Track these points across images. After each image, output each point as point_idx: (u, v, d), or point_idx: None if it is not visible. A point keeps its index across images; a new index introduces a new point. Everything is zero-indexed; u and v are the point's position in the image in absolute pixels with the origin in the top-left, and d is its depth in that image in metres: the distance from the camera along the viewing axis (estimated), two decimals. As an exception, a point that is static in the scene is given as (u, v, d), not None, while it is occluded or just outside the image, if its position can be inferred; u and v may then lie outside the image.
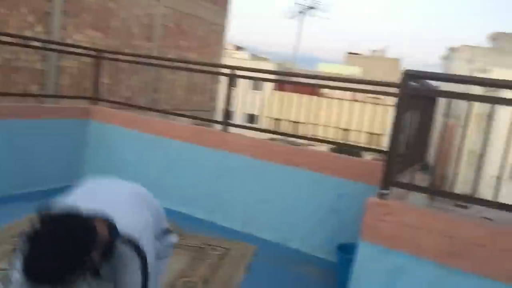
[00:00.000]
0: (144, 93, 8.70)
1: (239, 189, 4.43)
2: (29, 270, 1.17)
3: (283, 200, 4.21)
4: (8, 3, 6.46)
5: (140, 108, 5.21)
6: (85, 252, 1.24)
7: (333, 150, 11.97)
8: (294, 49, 39.74)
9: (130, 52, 8.70)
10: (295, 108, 21.41)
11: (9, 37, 5.40)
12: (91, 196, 1.57)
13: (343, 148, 11.49)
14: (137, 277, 1.47)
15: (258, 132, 4.89)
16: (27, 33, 6.78)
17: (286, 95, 21.55)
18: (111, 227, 1.38)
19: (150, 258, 1.50)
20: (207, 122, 4.81)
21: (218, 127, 4.72)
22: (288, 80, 7.65)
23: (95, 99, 5.34)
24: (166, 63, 6.46)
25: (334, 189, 3.94)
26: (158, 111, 5.24)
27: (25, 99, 5.43)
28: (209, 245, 4.07)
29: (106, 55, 5.45)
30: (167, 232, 1.91)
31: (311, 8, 36.09)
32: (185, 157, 4.70)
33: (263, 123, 22.06)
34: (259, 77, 4.70)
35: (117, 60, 5.39)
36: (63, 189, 1.70)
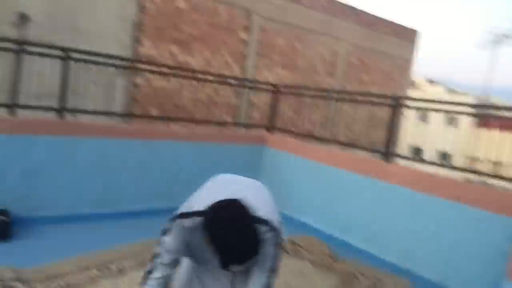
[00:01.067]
0: (324, 126, 9.19)
1: (399, 221, 4.32)
2: (230, 258, 1.56)
3: (445, 237, 3.94)
4: (212, 47, 7.81)
5: (314, 138, 5.61)
6: (257, 233, 1.60)
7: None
8: (487, 82, 35.05)
9: (312, 87, 9.36)
10: (497, 147, 18.91)
11: (211, 76, 6.58)
12: (224, 186, 1.90)
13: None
14: (272, 249, 1.75)
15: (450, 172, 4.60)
16: (226, 73, 8.04)
17: (487, 132, 19.30)
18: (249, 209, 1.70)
19: (282, 233, 1.77)
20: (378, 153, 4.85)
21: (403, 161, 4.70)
22: (485, 114, 7.00)
23: (271, 128, 6.00)
24: (341, 96, 6.73)
25: (506, 230, 3.52)
26: (325, 140, 5.54)
27: (221, 127, 6.42)
28: (362, 273, 4.06)
29: (283, 89, 6.07)
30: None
31: (506, 36, 31.48)
32: (346, 185, 4.83)
33: (457, 162, 20.13)
34: (440, 109, 4.55)
35: (294, 94, 5.96)
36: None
